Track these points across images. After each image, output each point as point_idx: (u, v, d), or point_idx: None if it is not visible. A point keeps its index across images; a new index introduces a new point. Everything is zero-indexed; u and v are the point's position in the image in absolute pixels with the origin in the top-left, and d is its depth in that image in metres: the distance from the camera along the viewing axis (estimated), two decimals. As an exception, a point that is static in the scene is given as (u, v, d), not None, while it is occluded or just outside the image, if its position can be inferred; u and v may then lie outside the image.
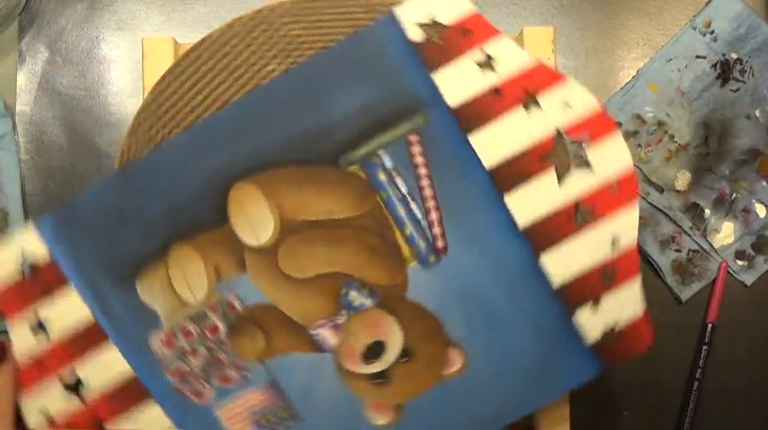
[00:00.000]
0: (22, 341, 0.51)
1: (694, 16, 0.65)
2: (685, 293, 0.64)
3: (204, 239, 0.51)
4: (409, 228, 0.51)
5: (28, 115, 0.66)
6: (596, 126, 0.50)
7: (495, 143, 0.50)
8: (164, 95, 0.54)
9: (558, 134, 0.50)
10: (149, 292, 0.51)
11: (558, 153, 0.50)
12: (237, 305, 0.51)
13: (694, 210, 0.64)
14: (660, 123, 0.64)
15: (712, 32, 0.64)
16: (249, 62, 0.54)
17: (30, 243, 0.51)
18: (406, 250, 0.51)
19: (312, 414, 0.52)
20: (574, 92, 0.50)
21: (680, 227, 0.64)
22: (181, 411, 0.52)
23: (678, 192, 0.64)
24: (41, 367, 0.51)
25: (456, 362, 0.52)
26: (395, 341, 0.52)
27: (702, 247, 0.64)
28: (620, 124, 0.64)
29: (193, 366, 0.51)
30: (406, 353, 0.52)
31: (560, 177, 0.50)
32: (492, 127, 0.50)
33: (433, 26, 0.49)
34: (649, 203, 0.64)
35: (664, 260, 0.64)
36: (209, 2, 0.66)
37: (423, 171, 0.51)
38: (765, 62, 0.64)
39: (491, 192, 0.50)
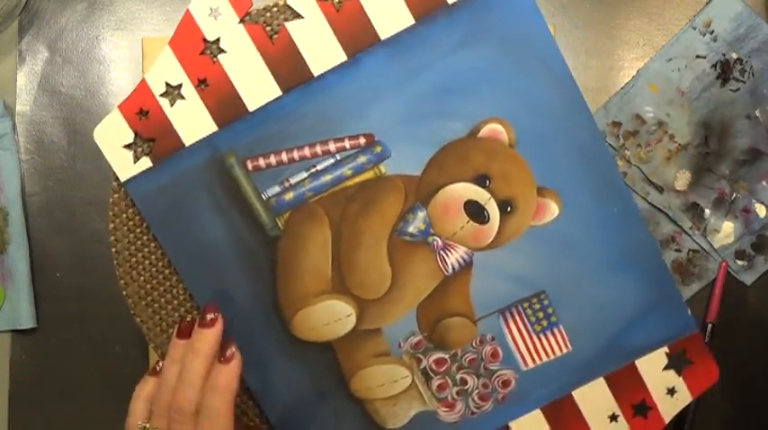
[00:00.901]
0: None
1: (694, 16, 0.65)
2: (685, 293, 0.64)
3: (346, 366, 0.53)
4: (348, 170, 0.52)
5: (28, 115, 0.66)
6: None
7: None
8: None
9: None
10: (405, 415, 0.54)
11: None
12: (416, 340, 0.53)
13: (694, 210, 0.64)
14: (660, 123, 0.64)
15: (712, 32, 0.64)
16: None
17: None
18: (372, 173, 0.52)
19: (541, 277, 0.53)
20: None
21: (680, 227, 0.64)
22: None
23: (678, 192, 0.64)
24: None
25: (553, 212, 0.53)
26: (466, 189, 0.52)
27: (702, 247, 0.64)
28: (620, 124, 0.64)
29: (477, 385, 0.54)
30: (483, 179, 0.52)
31: None
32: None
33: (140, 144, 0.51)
34: (649, 203, 0.64)
35: (664, 260, 0.64)
36: (209, 2, 0.66)
37: (283, 157, 0.51)
38: (765, 62, 0.64)
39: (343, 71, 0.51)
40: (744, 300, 0.65)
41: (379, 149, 0.51)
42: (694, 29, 0.64)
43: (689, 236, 0.64)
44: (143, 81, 0.50)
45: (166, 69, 0.50)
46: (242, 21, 0.50)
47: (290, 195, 0.52)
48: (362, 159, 0.51)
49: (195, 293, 0.52)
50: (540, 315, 0.53)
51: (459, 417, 0.54)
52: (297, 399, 0.53)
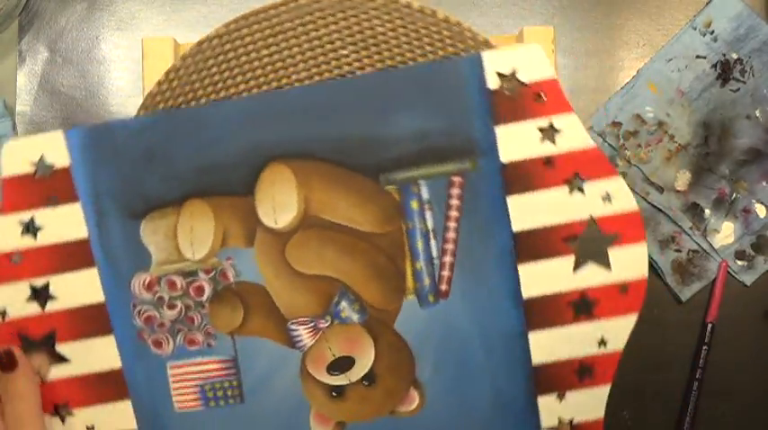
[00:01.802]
0: (7, 234, 0.50)
1: (694, 16, 0.65)
2: (685, 293, 0.64)
3: (223, 202, 0.51)
4: (420, 264, 0.51)
5: (28, 115, 0.66)
6: (628, 229, 0.50)
7: (529, 211, 0.50)
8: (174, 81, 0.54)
9: (591, 222, 0.50)
10: (152, 235, 0.51)
11: (583, 240, 0.50)
12: (231, 276, 0.51)
13: (694, 210, 0.64)
14: (660, 123, 0.64)
15: (712, 32, 0.64)
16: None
17: (54, 146, 0.50)
18: (410, 282, 0.52)
19: (257, 402, 0.52)
20: (619, 188, 0.50)
21: (680, 227, 0.64)
22: (134, 354, 0.52)
23: (678, 192, 0.64)
24: (15, 267, 0.51)
25: (413, 403, 0.52)
26: (365, 363, 0.52)
27: (702, 247, 0.64)
28: (620, 124, 0.64)
29: (165, 317, 0.52)
30: (370, 378, 0.52)
31: (577, 264, 0.51)
32: (532, 195, 0.50)
33: (511, 79, 0.50)
34: (649, 203, 0.64)
35: (664, 260, 0.64)
36: (210, 2, 0.66)
37: (454, 214, 0.51)
38: (765, 62, 0.64)
39: (509, 255, 0.51)
40: (744, 300, 0.65)
41: (431, 299, 0.51)
42: (694, 29, 0.64)
43: (689, 236, 0.64)
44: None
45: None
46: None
47: (415, 205, 0.51)
48: (426, 282, 0.51)
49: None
50: (218, 393, 0.52)
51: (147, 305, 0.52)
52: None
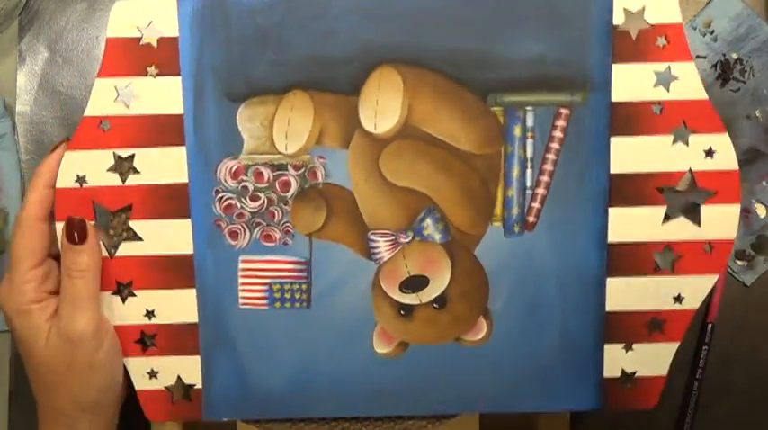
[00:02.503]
0: (101, 99, 0.49)
1: (694, 16, 0.65)
2: (685, 293, 0.64)
3: (326, 99, 0.50)
4: (512, 191, 0.50)
5: (28, 115, 0.66)
6: (725, 187, 0.50)
7: (631, 155, 0.50)
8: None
9: (689, 176, 0.50)
10: (247, 121, 0.50)
11: (678, 192, 0.50)
12: (320, 175, 0.51)
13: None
14: (660, 123, 0.64)
15: (712, 32, 0.64)
16: None
17: (164, 13, 0.48)
18: (498, 209, 0.51)
19: (323, 309, 0.51)
20: (724, 145, 0.50)
21: (680, 227, 0.64)
22: (208, 242, 0.51)
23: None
24: (103, 134, 0.49)
25: (480, 332, 0.51)
26: (439, 285, 0.51)
27: (702, 247, 0.64)
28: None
29: (246, 208, 0.50)
30: (441, 301, 0.51)
31: (667, 216, 0.50)
32: (637, 139, 0.50)
33: (638, 18, 0.48)
34: (649, 203, 0.64)
35: (664, 260, 0.64)
36: (210, 2, 0.66)
37: (555, 146, 0.50)
38: (765, 62, 0.64)
39: (602, 196, 0.50)
40: (744, 300, 0.65)
41: (516, 230, 0.51)
42: (694, 29, 0.64)
43: (689, 236, 0.64)
44: None
45: None
46: None
47: (517, 131, 0.50)
48: (514, 211, 0.51)
49: None
50: (286, 294, 0.51)
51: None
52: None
